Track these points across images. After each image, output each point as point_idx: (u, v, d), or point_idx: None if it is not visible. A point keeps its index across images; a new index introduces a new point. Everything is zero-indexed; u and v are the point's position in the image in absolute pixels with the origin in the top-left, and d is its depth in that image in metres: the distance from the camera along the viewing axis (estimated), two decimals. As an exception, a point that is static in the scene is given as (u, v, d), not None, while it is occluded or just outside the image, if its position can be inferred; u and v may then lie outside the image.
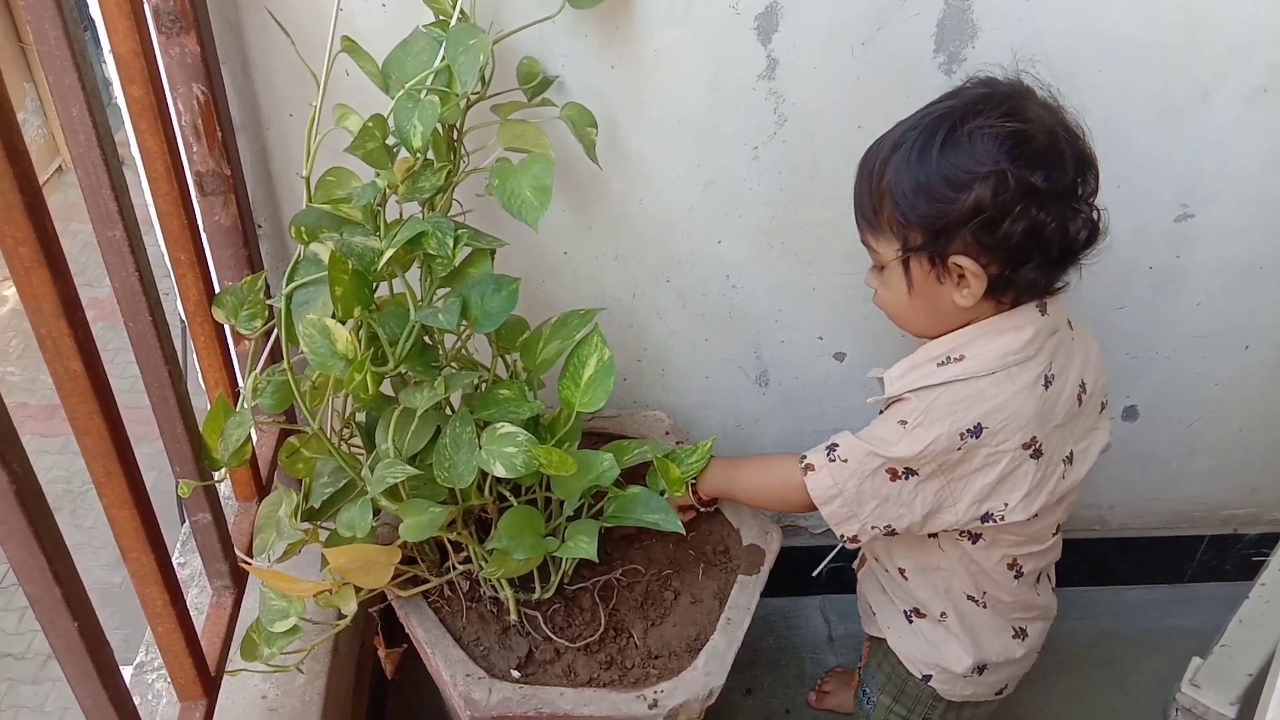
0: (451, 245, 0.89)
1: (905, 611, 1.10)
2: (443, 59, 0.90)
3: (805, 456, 0.98)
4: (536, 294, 1.22)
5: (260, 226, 1.15)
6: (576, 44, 1.05)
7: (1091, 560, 1.64)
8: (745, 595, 1.03)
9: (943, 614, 1.06)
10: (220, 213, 1.06)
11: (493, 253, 0.96)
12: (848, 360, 1.33)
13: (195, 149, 1.02)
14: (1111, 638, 1.61)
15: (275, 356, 0.99)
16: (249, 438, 0.96)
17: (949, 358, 0.93)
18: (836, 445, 0.96)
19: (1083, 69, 1.10)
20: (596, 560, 0.96)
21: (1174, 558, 1.65)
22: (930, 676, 1.10)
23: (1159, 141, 1.16)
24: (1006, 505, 0.93)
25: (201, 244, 1.02)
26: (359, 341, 0.88)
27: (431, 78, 0.90)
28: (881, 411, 0.97)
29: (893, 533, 0.96)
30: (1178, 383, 1.41)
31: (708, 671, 0.96)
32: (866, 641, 1.24)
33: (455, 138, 0.97)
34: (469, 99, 0.95)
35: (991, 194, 0.85)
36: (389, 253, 0.86)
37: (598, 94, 1.07)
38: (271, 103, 1.07)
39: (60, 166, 3.26)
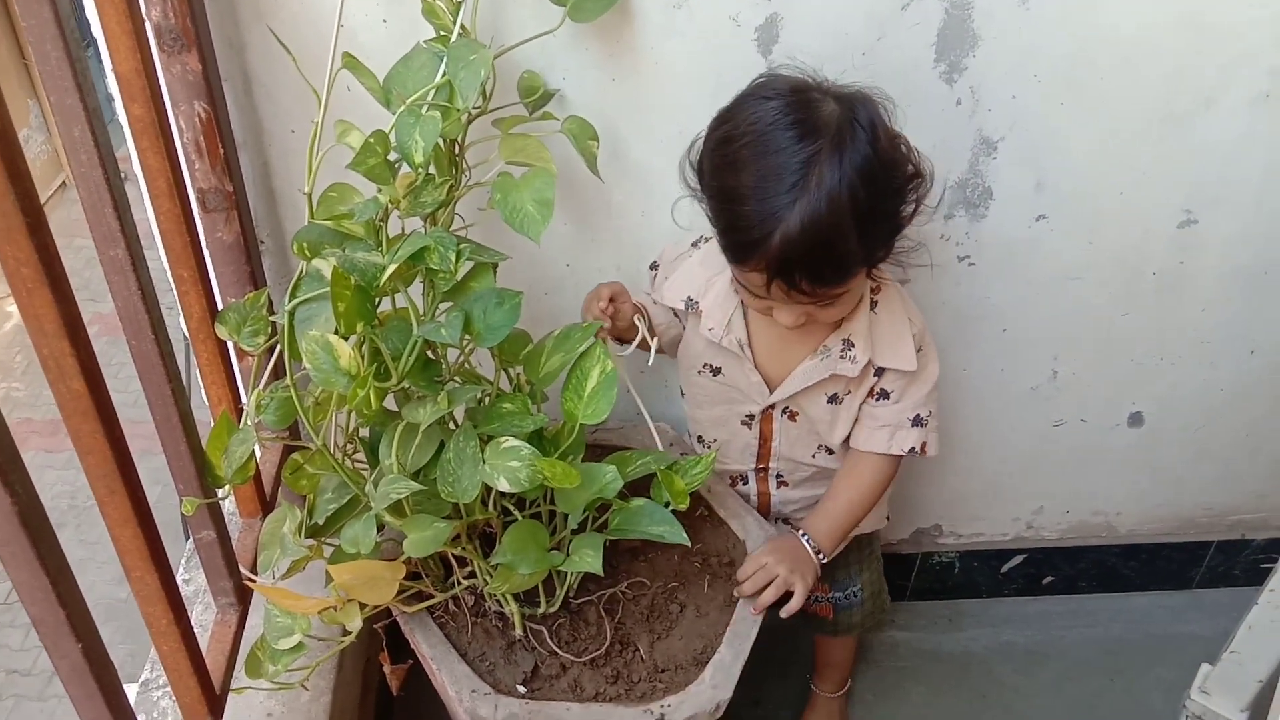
0: (454, 260, 0.88)
1: None
2: (444, 74, 0.90)
3: (909, 448, 1.10)
4: (540, 306, 1.22)
5: (263, 243, 1.16)
6: (577, 57, 1.05)
7: (1100, 567, 1.63)
8: (751, 607, 1.03)
9: None
10: (223, 229, 1.06)
11: (495, 266, 0.96)
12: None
13: (197, 166, 1.02)
14: (1121, 645, 1.60)
15: (278, 373, 0.99)
16: (253, 454, 0.96)
17: (872, 300, 1.06)
18: (919, 415, 1.09)
19: (1086, 76, 1.10)
20: (602, 574, 0.95)
21: (1182, 564, 1.64)
22: (888, 515, 1.31)
23: (1163, 148, 1.16)
24: None
25: (204, 261, 1.02)
26: (362, 357, 0.88)
27: (433, 93, 0.90)
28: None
29: None
30: (1183, 388, 1.40)
31: (714, 685, 0.96)
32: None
33: (456, 152, 0.97)
34: (470, 114, 0.95)
35: (927, 173, 0.96)
36: (391, 268, 0.86)
37: (599, 107, 1.07)
38: (273, 119, 1.08)
39: (64, 182, 3.26)
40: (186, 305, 1.01)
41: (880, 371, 1.07)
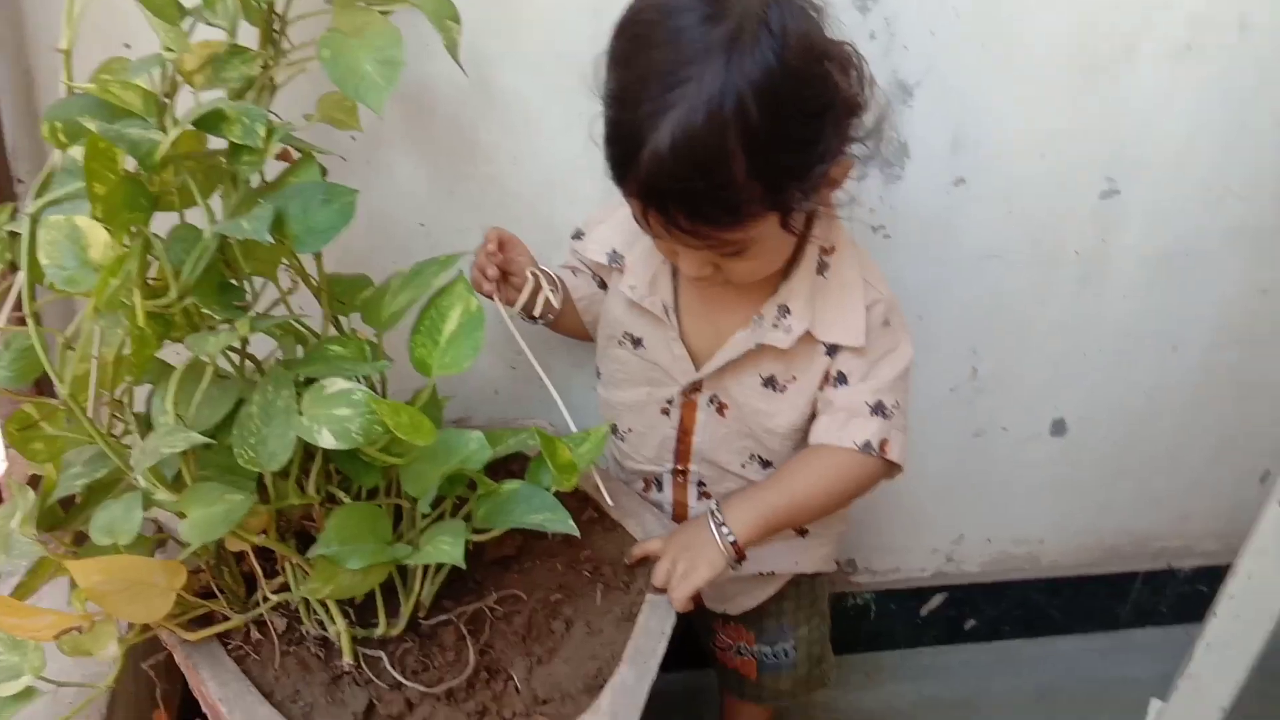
0: (262, 136, 0.66)
1: (794, 532, 1.00)
2: (259, -92, 0.70)
3: (864, 440, 0.87)
4: (384, 276, 0.99)
5: (20, 181, 0.90)
6: (435, -52, 0.87)
7: (1024, 607, 1.48)
8: (658, 618, 0.80)
9: None
10: (-41, 144, 0.81)
11: (323, 170, 0.74)
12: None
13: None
14: (1052, 692, 1.44)
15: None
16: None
17: (822, 262, 0.87)
18: (881, 402, 0.88)
19: (1007, 15, 1.00)
20: (464, 567, 0.71)
21: (1108, 600, 1.50)
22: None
23: (1083, 103, 1.07)
24: None
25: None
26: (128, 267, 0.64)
27: (243, -69, 0.70)
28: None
29: None
30: (1105, 392, 1.29)
31: (613, 713, 0.72)
32: (727, 625, 1.11)
33: (277, 28, 0.76)
34: (294, -28, 0.75)
35: (854, 80, 0.76)
36: (174, 135, 0.64)
37: (462, 16, 0.88)
38: (45, 12, 0.84)
39: None
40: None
41: (834, 350, 0.88)
